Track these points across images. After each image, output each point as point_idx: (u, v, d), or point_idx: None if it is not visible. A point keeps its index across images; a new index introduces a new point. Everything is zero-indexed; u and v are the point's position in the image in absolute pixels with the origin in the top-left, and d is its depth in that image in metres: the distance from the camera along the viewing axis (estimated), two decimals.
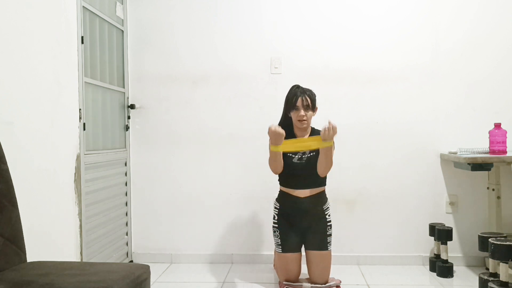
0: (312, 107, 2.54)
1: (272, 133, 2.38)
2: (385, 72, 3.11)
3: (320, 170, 2.48)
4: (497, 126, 2.75)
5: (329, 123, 2.34)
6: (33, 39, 2.04)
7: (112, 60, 2.95)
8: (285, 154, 2.51)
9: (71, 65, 2.36)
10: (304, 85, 2.63)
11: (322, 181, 2.57)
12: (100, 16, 2.74)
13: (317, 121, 2.61)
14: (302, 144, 2.45)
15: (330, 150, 2.41)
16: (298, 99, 2.52)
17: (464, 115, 3.07)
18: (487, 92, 3.07)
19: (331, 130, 2.33)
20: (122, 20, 3.12)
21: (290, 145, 2.43)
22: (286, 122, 2.59)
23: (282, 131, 2.36)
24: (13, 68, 1.88)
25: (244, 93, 3.16)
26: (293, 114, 2.56)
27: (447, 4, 3.08)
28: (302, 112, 2.51)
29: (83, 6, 2.50)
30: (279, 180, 2.62)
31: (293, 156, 2.53)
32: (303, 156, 2.52)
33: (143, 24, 3.20)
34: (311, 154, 2.52)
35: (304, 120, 2.51)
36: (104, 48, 2.82)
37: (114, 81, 2.98)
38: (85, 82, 2.51)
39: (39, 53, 2.08)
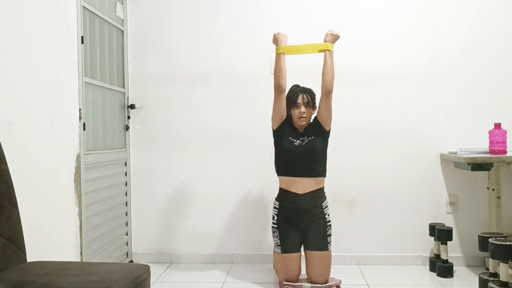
0: (312, 105, 2.56)
1: (277, 34, 2.61)
2: (385, 72, 3.11)
3: (326, 76, 2.51)
4: (497, 126, 2.75)
5: (329, 30, 2.62)
6: (33, 39, 2.04)
7: (112, 60, 2.95)
8: (286, 139, 2.53)
9: (71, 65, 2.36)
10: (304, 84, 2.65)
11: (321, 171, 2.56)
12: (100, 16, 2.74)
13: None
14: (305, 46, 2.62)
15: (331, 54, 2.55)
16: (299, 97, 2.54)
17: (464, 115, 3.07)
18: (487, 92, 3.07)
19: (333, 32, 2.58)
20: (122, 20, 3.12)
21: (293, 47, 2.61)
22: (286, 122, 2.59)
23: (286, 35, 2.64)
24: (13, 68, 1.88)
25: (244, 93, 3.17)
26: (293, 112, 2.57)
27: (447, 4, 3.08)
28: (303, 109, 2.53)
29: (83, 6, 2.50)
30: (278, 170, 2.59)
31: (294, 140, 2.53)
32: (303, 141, 2.52)
33: (143, 24, 3.21)
34: (310, 138, 2.53)
35: (304, 117, 2.52)
36: (104, 48, 2.82)
37: (114, 81, 2.98)
38: (85, 82, 2.51)
39: (39, 53, 2.08)
